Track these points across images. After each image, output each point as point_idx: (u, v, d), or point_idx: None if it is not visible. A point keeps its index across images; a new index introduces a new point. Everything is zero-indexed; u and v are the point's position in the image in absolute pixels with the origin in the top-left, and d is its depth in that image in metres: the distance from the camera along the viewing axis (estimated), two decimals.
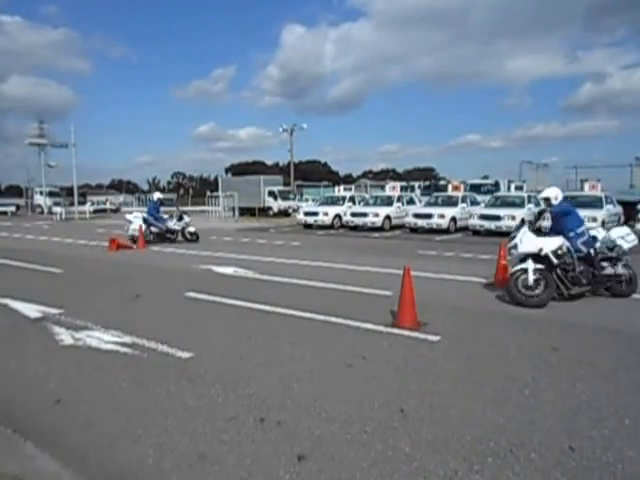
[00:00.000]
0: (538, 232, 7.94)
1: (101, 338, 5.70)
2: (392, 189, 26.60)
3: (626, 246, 7.93)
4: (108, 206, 54.73)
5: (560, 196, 8.16)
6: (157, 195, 18.30)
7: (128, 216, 17.37)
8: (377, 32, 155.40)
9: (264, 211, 35.42)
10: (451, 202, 21.53)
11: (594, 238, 8.01)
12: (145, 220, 16.73)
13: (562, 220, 7.93)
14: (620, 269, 7.85)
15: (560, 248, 7.52)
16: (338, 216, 23.59)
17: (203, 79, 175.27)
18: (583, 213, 16.61)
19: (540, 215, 8.32)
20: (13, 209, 51.85)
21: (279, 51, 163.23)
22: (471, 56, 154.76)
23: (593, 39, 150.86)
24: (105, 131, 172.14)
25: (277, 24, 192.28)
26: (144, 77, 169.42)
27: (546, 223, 8.41)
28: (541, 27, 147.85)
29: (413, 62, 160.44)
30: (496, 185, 26.98)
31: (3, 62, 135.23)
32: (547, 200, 8.17)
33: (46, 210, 48.48)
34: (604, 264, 7.87)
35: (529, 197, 20.29)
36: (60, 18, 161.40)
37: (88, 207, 45.19)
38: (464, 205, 21.21)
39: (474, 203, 22.08)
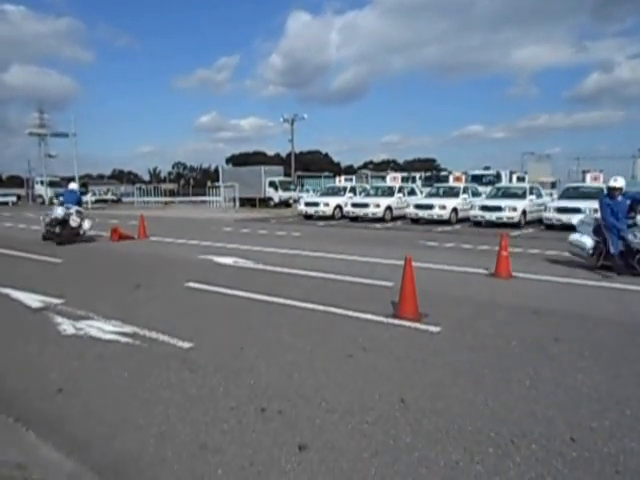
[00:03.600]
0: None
1: (102, 328, 5.70)
2: (393, 180, 26.51)
3: None
4: (109, 196, 54.72)
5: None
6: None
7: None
8: (381, 21, 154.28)
9: (265, 202, 35.37)
10: (452, 193, 21.45)
11: None
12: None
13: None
14: None
15: None
16: (339, 207, 23.52)
17: (207, 68, 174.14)
18: (584, 204, 16.80)
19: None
20: (14, 199, 51.87)
21: (283, 40, 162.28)
22: (476, 45, 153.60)
23: (601, 28, 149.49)
24: (107, 121, 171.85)
25: (283, 12, 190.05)
26: (148, 67, 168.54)
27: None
28: (548, 16, 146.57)
29: (417, 51, 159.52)
30: (497, 176, 26.89)
31: (5, 51, 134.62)
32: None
33: (47, 200, 48.46)
34: None
35: (531, 188, 20.24)
36: (64, 7, 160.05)
37: (89, 197, 45.18)
38: (465, 196, 21.14)
39: (475, 194, 22.00)
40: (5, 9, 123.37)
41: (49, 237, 14.41)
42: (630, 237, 8.64)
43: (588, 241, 9.25)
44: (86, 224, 14.55)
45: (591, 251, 9.22)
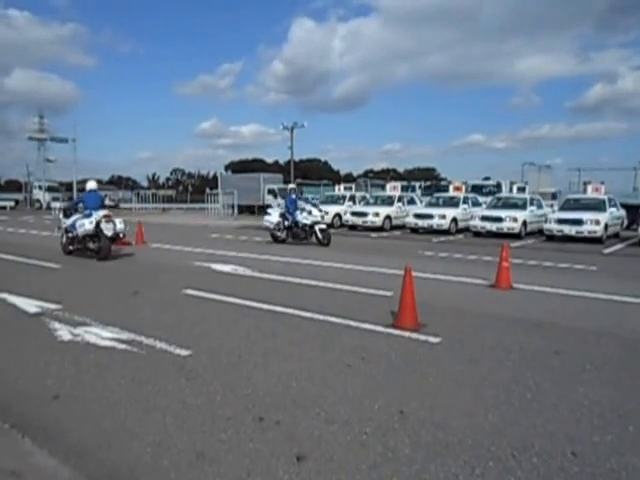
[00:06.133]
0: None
1: (99, 334, 5.66)
2: (393, 189, 26.54)
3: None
4: (107, 202, 54.59)
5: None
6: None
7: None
8: (386, 29, 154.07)
9: (264, 209, 35.35)
10: (452, 203, 21.49)
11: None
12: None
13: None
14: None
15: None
16: (338, 215, 23.52)
17: (209, 74, 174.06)
18: (586, 215, 16.82)
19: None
20: (12, 204, 51.87)
21: (286, 46, 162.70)
22: (480, 55, 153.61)
23: (605, 39, 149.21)
24: (106, 126, 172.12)
25: (288, 18, 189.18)
26: (151, 73, 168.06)
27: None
28: (552, 26, 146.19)
29: (420, 60, 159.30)
30: (498, 186, 26.93)
31: (7, 56, 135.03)
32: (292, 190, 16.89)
33: (45, 205, 48.43)
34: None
35: (531, 199, 20.27)
36: (69, 12, 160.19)
37: None
38: (465, 206, 21.16)
39: (475, 204, 22.03)
40: (9, 14, 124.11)
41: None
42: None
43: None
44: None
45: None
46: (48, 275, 10.04)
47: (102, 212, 12.06)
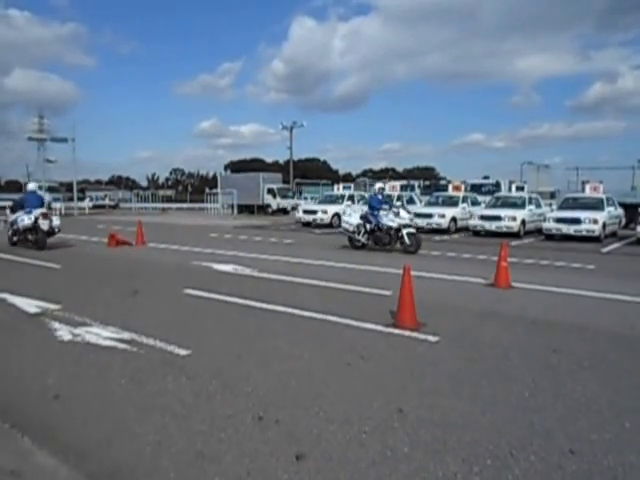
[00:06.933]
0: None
1: (99, 334, 5.68)
2: (392, 188, 26.51)
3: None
4: (107, 202, 54.70)
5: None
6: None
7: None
8: (385, 28, 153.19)
9: (263, 209, 35.45)
10: (452, 202, 21.47)
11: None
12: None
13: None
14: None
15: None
16: (337, 215, 23.48)
17: (210, 74, 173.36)
18: (584, 215, 16.84)
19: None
20: (12, 204, 51.85)
21: (286, 45, 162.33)
22: (479, 54, 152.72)
23: (606, 38, 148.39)
24: (106, 126, 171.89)
25: (288, 16, 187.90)
26: (151, 73, 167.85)
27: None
28: (552, 25, 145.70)
29: (420, 59, 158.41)
30: (497, 185, 26.90)
31: (7, 55, 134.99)
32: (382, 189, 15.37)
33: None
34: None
35: (530, 198, 20.27)
36: (70, 12, 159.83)
37: (87, 203, 45.23)
38: (465, 205, 21.16)
39: (475, 203, 22.02)
40: (9, 14, 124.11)
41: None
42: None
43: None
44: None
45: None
46: (48, 275, 10.05)
47: (39, 210, 14.13)
